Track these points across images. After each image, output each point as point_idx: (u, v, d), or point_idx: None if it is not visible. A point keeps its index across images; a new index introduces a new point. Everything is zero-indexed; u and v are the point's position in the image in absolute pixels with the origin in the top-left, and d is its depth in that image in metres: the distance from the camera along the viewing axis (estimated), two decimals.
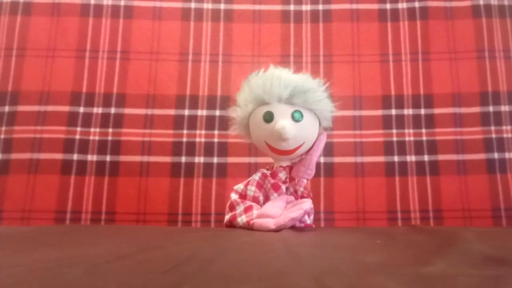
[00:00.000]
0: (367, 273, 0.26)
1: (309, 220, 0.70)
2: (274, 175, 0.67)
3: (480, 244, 0.39)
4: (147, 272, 0.25)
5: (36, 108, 0.94)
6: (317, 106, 0.66)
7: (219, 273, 0.26)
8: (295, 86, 0.62)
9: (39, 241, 0.47)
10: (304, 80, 0.65)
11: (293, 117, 0.63)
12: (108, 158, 0.94)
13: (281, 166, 0.69)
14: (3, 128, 0.93)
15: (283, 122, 0.61)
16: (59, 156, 0.92)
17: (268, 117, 0.62)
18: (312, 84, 0.66)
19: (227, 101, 0.96)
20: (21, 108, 0.94)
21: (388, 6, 1.01)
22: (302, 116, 0.63)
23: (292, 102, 0.63)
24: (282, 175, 0.67)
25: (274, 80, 0.63)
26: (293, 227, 0.62)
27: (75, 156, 0.93)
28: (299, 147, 0.65)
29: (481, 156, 0.93)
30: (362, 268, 0.27)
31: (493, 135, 0.94)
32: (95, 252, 0.36)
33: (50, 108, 0.95)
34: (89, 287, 0.24)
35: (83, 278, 0.25)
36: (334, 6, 1.02)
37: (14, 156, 0.92)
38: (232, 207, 0.68)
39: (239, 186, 0.69)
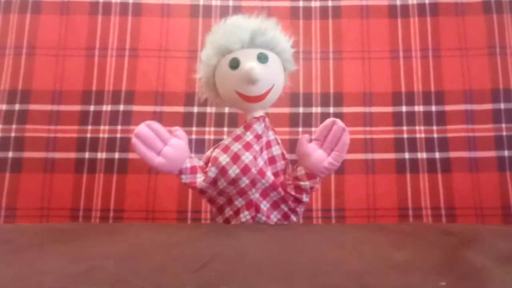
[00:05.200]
0: (402, 271, 0.25)
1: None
2: (248, 127, 0.64)
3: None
4: (179, 271, 0.25)
5: (48, 107, 0.95)
6: (278, 46, 0.65)
7: (251, 271, 0.25)
8: (253, 29, 0.62)
9: (67, 237, 0.47)
10: (260, 22, 0.65)
11: (258, 59, 0.62)
12: (116, 155, 0.94)
13: (254, 117, 0.65)
14: (14, 126, 0.93)
15: (250, 63, 0.60)
16: (72, 155, 0.93)
17: (234, 63, 0.61)
18: (269, 24, 0.65)
19: None
20: (33, 107, 0.94)
21: (398, 2, 1.01)
22: (267, 57, 0.62)
23: (255, 45, 0.63)
24: (257, 126, 0.63)
25: (233, 27, 0.63)
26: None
27: (87, 155, 0.93)
28: (269, 91, 0.63)
29: (492, 153, 0.93)
30: (392, 267, 0.27)
31: (504, 133, 0.93)
32: (118, 249, 0.36)
33: (62, 107, 0.95)
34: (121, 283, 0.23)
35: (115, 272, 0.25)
36: (343, 2, 1.01)
37: (28, 154, 0.92)
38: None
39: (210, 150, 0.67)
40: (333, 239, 0.45)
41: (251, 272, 0.26)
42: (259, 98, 0.63)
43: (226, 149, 0.62)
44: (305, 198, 0.66)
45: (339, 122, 0.63)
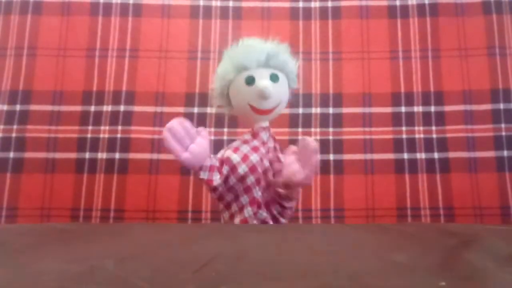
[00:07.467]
0: (402, 272, 0.25)
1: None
2: (255, 135, 0.73)
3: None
4: (179, 271, 0.25)
5: (49, 107, 0.95)
6: (287, 68, 0.74)
7: (251, 271, 0.26)
8: (269, 51, 0.71)
9: (67, 237, 0.47)
10: (274, 45, 0.74)
11: (271, 78, 0.71)
12: (117, 155, 0.94)
13: (261, 127, 0.73)
14: (15, 127, 0.94)
15: (264, 82, 0.69)
16: (73, 155, 0.93)
17: (250, 80, 0.70)
18: (281, 48, 0.74)
19: None
20: (33, 107, 0.95)
21: (397, 2, 1.01)
22: (278, 77, 0.71)
23: (268, 65, 0.71)
24: (263, 134, 0.73)
25: (251, 48, 0.72)
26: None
27: (87, 155, 0.94)
28: (277, 106, 0.72)
29: (491, 154, 0.93)
30: (392, 267, 0.27)
31: (503, 133, 0.94)
32: (115, 250, 0.36)
33: (63, 108, 0.95)
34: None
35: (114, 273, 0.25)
36: (343, 3, 1.01)
37: (29, 155, 0.93)
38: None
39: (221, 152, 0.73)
40: (333, 239, 0.45)
41: (251, 272, 0.26)
42: (268, 112, 0.72)
43: (236, 150, 0.71)
44: (287, 204, 0.72)
45: (311, 143, 0.66)
